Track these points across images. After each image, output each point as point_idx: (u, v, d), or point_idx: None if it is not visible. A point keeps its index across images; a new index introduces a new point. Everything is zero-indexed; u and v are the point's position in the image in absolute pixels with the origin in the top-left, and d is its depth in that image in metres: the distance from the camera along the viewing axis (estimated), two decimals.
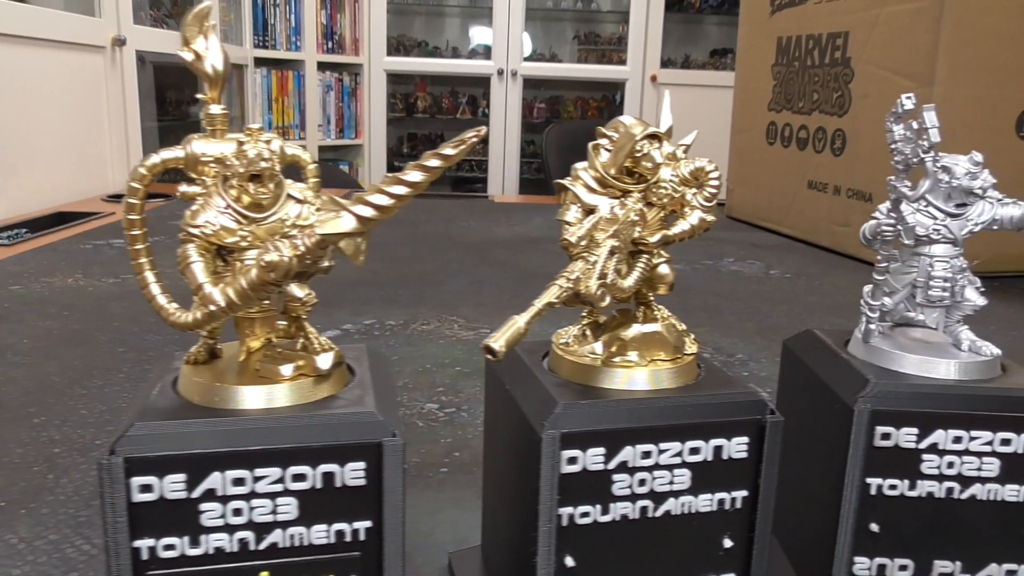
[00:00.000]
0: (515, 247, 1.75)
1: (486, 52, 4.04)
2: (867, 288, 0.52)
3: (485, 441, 0.56)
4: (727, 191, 2.21)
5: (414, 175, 0.35)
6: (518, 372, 0.49)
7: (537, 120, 4.11)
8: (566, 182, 0.46)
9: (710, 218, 0.46)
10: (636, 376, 0.47)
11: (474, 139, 0.35)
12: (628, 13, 3.90)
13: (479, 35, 4.23)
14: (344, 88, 3.93)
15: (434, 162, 0.35)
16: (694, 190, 0.46)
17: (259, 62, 3.56)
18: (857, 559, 0.50)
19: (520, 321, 0.39)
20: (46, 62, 2.07)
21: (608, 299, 0.42)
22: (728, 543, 0.47)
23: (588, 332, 0.48)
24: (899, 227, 0.49)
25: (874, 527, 0.49)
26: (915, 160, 0.47)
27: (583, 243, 0.41)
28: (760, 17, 2.06)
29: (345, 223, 0.36)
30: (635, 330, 0.47)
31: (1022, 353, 1.16)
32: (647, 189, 0.45)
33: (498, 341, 0.39)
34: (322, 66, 3.81)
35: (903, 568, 0.50)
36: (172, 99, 3.53)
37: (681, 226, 0.46)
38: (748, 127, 2.12)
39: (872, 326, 0.52)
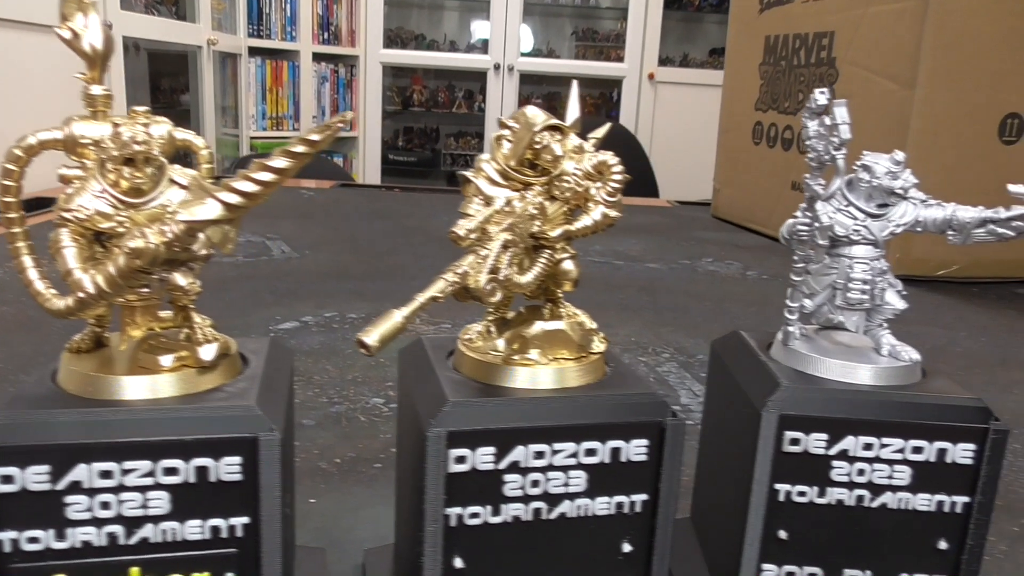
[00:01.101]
0: None
1: (484, 47, 4.02)
2: (790, 290, 0.51)
3: (397, 437, 0.55)
4: (713, 191, 2.20)
5: (280, 161, 0.34)
6: (421, 368, 0.47)
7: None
8: (469, 174, 0.44)
9: (614, 213, 0.45)
10: (539, 374, 0.45)
11: (340, 125, 0.33)
12: (627, 10, 3.88)
13: (478, 29, 4.21)
14: (339, 80, 3.91)
15: (300, 148, 0.34)
16: (599, 184, 0.44)
17: (253, 51, 3.55)
18: (765, 566, 0.48)
19: (398, 316, 0.38)
20: (28, 46, 2.06)
21: (500, 295, 0.41)
22: (627, 548, 0.45)
23: (493, 329, 0.47)
24: (815, 227, 0.47)
25: (782, 534, 0.48)
26: (827, 157, 0.45)
27: (472, 236, 0.40)
28: (749, 15, 2.04)
29: (210, 210, 0.35)
30: (538, 327, 0.46)
31: (988, 359, 1.14)
32: (550, 183, 0.44)
33: (371, 335, 0.38)
34: (317, 57, 3.80)
35: None
36: (167, 87, 3.53)
37: (583, 221, 0.45)
38: (734, 127, 2.11)
39: (791, 328, 0.50)
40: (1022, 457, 0.82)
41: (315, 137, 0.34)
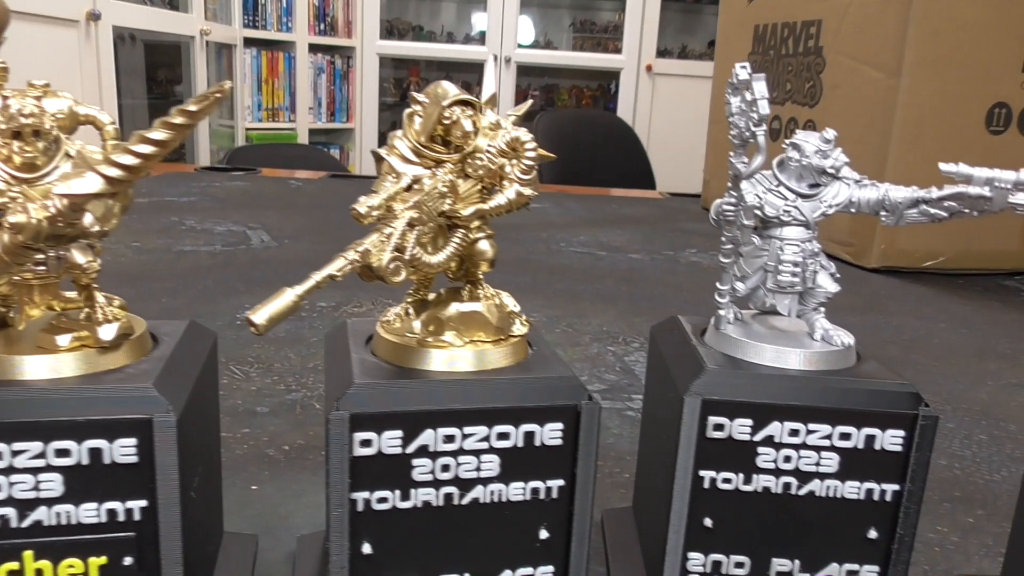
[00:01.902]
0: None
1: (483, 38, 4.01)
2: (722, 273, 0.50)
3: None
4: (703, 182, 2.18)
5: (160, 133, 0.33)
6: (339, 352, 0.47)
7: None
8: (382, 152, 0.43)
9: (528, 192, 0.44)
10: (456, 357, 0.44)
11: (218, 95, 0.32)
12: (625, 1, 3.86)
13: (478, 22, 4.20)
14: (336, 71, 3.90)
15: (179, 119, 0.33)
16: (514, 162, 0.43)
17: (248, 42, 3.54)
18: (691, 555, 0.47)
19: (291, 294, 0.37)
20: (16, 35, 2.05)
21: (404, 274, 0.40)
22: (544, 535, 0.44)
23: (412, 311, 0.46)
24: (740, 207, 0.46)
25: (708, 522, 0.47)
26: (748, 134, 0.44)
27: (374, 213, 0.39)
28: (739, 4, 2.02)
29: (90, 183, 0.34)
30: (454, 309, 0.45)
31: (965, 350, 1.13)
32: (463, 160, 0.43)
33: (259, 314, 0.36)
34: (314, 48, 3.79)
35: (739, 565, 0.47)
36: (164, 77, 3.52)
37: (497, 200, 0.44)
38: (724, 118, 2.08)
39: (722, 312, 0.49)
40: (987, 448, 0.80)
41: (193, 108, 0.33)
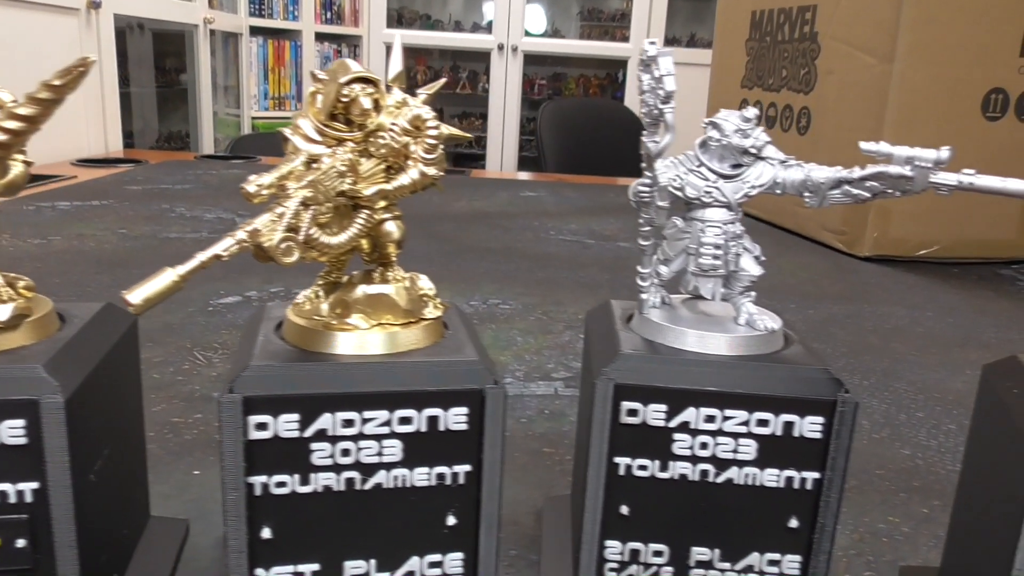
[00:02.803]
0: (465, 221, 1.72)
1: (491, 28, 3.99)
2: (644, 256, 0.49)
3: None
4: None
5: (25, 109, 0.33)
6: (249, 336, 0.46)
7: (538, 97, 4.06)
8: (287, 132, 0.43)
9: (432, 172, 0.43)
10: (366, 340, 0.43)
11: (81, 70, 0.32)
12: None
13: (486, 10, 4.18)
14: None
15: (44, 94, 0.32)
16: (419, 141, 0.42)
17: (254, 31, 3.54)
18: (608, 542, 0.46)
19: (172, 274, 0.37)
20: (16, 23, 2.06)
21: (297, 255, 0.39)
22: (452, 521, 0.44)
23: (322, 293, 0.45)
24: (654, 187, 0.45)
25: (624, 510, 0.46)
26: (656, 112, 0.43)
27: (264, 192, 0.38)
28: None
29: None
30: (360, 291, 0.44)
31: (948, 339, 1.11)
32: (366, 139, 0.42)
33: (134, 293, 0.36)
34: (320, 37, 3.79)
35: (658, 554, 0.47)
36: (170, 66, 3.53)
37: (400, 180, 0.43)
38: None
39: (645, 296, 0.48)
40: (954, 438, 0.79)
41: (57, 82, 0.32)
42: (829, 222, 1.61)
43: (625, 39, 3.91)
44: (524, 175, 2.48)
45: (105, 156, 2.36)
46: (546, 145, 3.19)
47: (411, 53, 4.17)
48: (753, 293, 0.49)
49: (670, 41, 3.91)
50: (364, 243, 0.45)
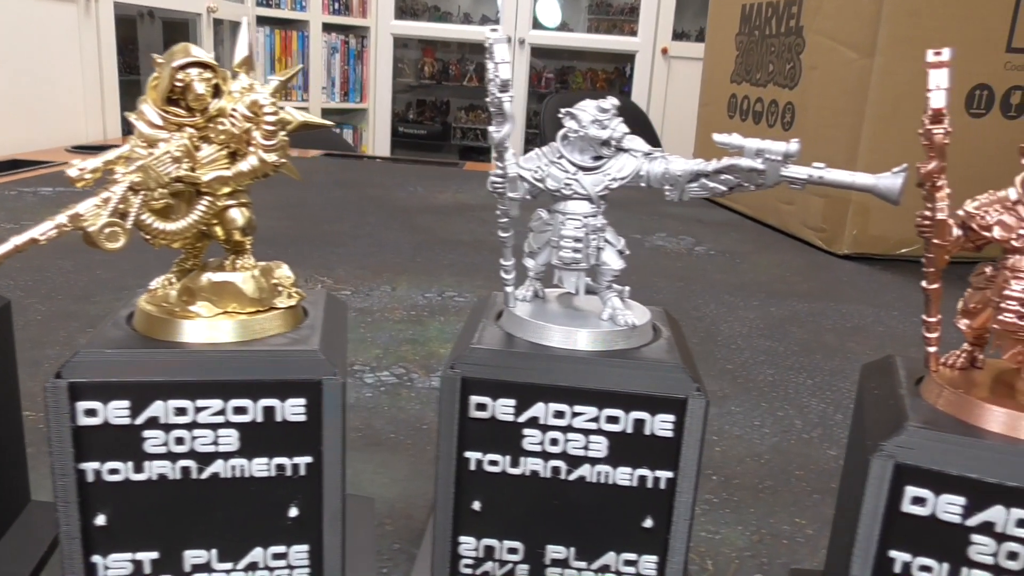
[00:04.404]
0: (445, 213, 1.72)
1: (499, 21, 3.97)
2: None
3: None
4: None
5: None
6: (104, 322, 0.46)
7: (545, 90, 4.04)
8: (132, 117, 0.42)
9: (272, 158, 0.42)
10: (217, 327, 0.43)
11: None
12: None
13: (494, 2, 4.16)
14: (350, 51, 3.90)
15: None
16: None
17: (262, 20, 3.55)
18: (462, 539, 0.46)
19: None
20: (15, 12, 2.08)
21: (123, 241, 0.39)
22: (294, 512, 0.43)
23: (175, 280, 0.45)
24: (506, 179, 0.44)
25: (476, 505, 0.45)
26: (496, 100, 0.42)
27: (88, 176, 0.38)
28: None
29: None
30: (206, 279, 0.44)
31: (907, 339, 1.09)
32: (207, 124, 0.42)
33: None
34: (328, 27, 3.79)
35: (513, 551, 0.46)
36: None
37: (239, 166, 0.42)
38: (713, 100, 2.05)
39: (508, 289, 0.47)
40: None
41: None
42: (810, 219, 1.58)
43: (633, 33, 3.88)
44: None
45: (102, 143, 2.38)
46: (550, 138, 3.16)
47: (418, 45, 4.17)
48: (624, 288, 0.48)
49: (679, 35, 3.87)
50: (218, 230, 0.44)
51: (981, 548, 0.37)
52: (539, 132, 3.81)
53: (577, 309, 0.48)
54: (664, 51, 3.82)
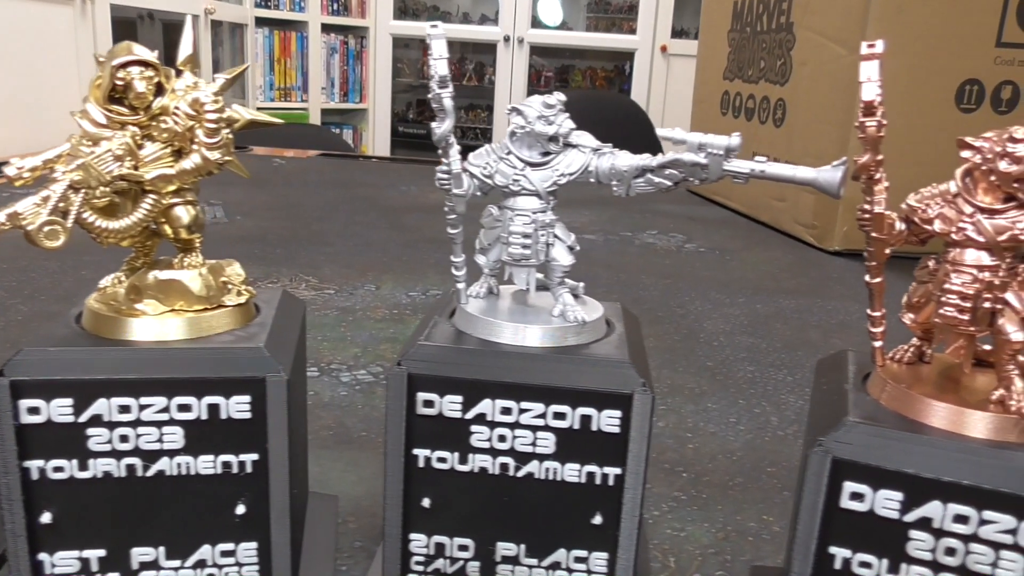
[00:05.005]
0: (434, 213, 1.71)
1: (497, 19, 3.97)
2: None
3: None
4: None
5: None
6: (50, 322, 0.46)
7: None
8: (76, 116, 0.42)
9: (214, 156, 0.42)
10: (165, 325, 0.43)
11: None
12: None
13: (493, 2, 4.16)
14: (349, 51, 3.90)
15: None
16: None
17: (260, 22, 3.56)
18: (412, 535, 0.46)
19: None
20: (11, 14, 2.09)
21: (62, 239, 0.39)
22: (241, 510, 0.43)
23: (124, 278, 0.45)
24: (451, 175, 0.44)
25: (426, 502, 0.45)
26: (437, 96, 0.42)
27: (27, 175, 0.38)
28: None
29: None
30: (152, 277, 0.44)
31: (892, 337, 1.09)
32: (151, 122, 0.42)
33: None
34: (326, 28, 3.80)
35: (463, 548, 0.46)
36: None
37: (182, 164, 0.42)
38: (706, 97, 2.04)
39: (460, 286, 0.47)
40: None
41: None
42: (801, 216, 1.58)
43: (633, 31, 3.87)
44: None
45: None
46: None
47: (418, 45, 4.17)
48: (577, 284, 0.48)
49: (678, 33, 3.86)
50: (167, 228, 0.45)
51: (920, 544, 0.36)
52: None
53: (529, 306, 0.48)
54: (663, 49, 3.81)
